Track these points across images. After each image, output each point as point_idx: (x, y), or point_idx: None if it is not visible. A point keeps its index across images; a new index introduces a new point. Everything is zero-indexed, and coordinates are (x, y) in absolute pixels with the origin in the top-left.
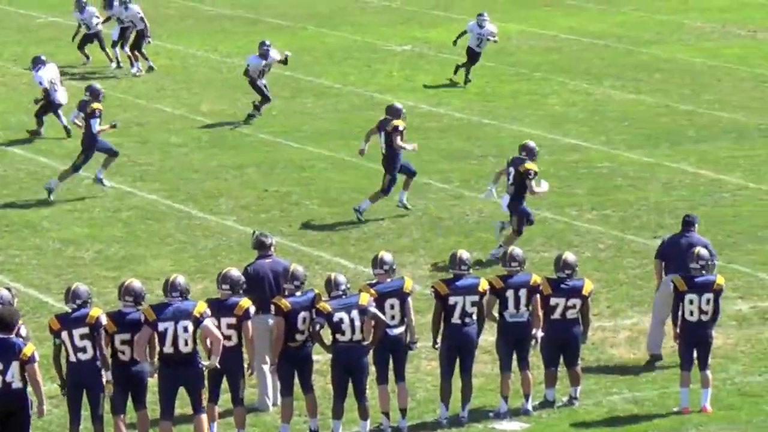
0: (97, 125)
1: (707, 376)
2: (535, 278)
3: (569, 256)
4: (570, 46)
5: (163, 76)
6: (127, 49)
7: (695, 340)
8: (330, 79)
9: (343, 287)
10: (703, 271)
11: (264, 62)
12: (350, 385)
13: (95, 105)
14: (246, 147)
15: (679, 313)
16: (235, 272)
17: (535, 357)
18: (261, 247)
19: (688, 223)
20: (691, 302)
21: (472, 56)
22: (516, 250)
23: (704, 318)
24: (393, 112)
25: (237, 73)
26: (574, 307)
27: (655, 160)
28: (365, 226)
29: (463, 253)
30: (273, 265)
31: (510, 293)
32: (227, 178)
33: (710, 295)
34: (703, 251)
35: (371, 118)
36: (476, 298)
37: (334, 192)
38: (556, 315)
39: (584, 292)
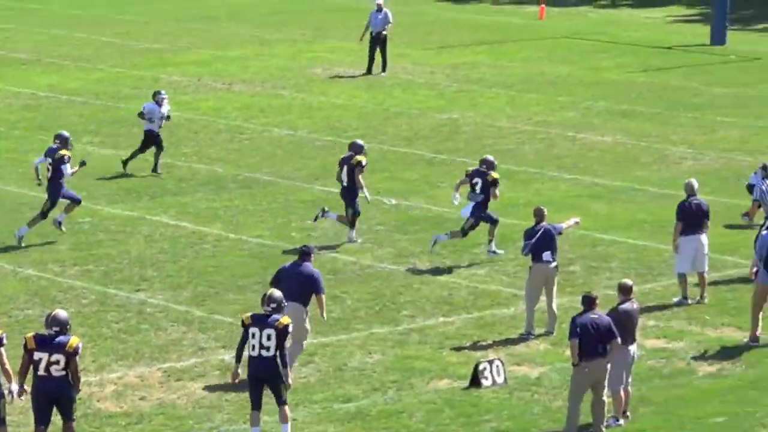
0: (68, 169)
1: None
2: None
3: (61, 313)
4: (49, 103)
5: None
6: None
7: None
8: None
9: (274, 305)
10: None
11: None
12: None
13: (64, 152)
14: None
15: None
16: (278, 293)
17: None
18: (302, 254)
19: (304, 253)
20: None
21: None
22: (275, 292)
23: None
24: (356, 148)
25: None
26: (58, 363)
27: (137, 214)
28: None
29: (275, 292)
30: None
31: None
32: None
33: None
34: (277, 293)
35: None
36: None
37: None
38: (41, 371)
39: (68, 348)
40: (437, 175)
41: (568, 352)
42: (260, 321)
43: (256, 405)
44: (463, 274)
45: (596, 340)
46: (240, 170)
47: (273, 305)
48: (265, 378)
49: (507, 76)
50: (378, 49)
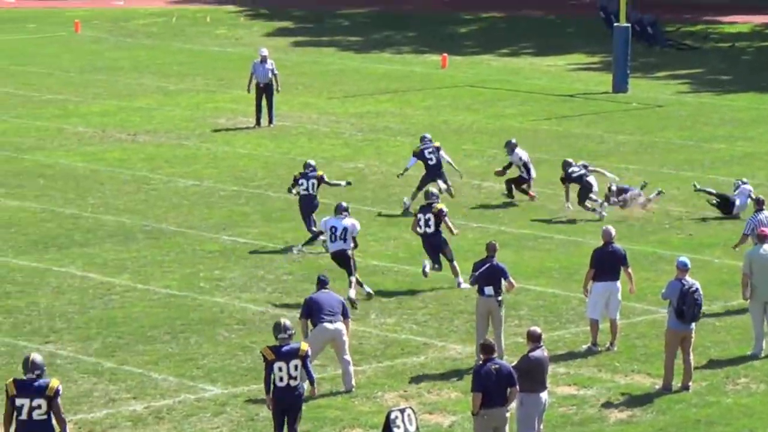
0: None
1: None
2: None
3: (37, 356)
4: None
5: None
6: None
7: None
8: None
9: (291, 332)
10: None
11: None
12: None
13: None
14: None
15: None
16: (288, 321)
17: None
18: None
19: (323, 282)
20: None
21: None
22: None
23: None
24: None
25: None
26: (40, 407)
27: (45, 265)
28: None
29: (287, 321)
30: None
31: None
32: None
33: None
34: (288, 321)
35: None
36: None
37: None
38: (23, 416)
39: (48, 392)
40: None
41: None
42: (284, 354)
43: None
44: (373, 323)
45: (496, 388)
46: (147, 221)
47: (290, 332)
48: (291, 407)
49: (411, 124)
50: (264, 101)
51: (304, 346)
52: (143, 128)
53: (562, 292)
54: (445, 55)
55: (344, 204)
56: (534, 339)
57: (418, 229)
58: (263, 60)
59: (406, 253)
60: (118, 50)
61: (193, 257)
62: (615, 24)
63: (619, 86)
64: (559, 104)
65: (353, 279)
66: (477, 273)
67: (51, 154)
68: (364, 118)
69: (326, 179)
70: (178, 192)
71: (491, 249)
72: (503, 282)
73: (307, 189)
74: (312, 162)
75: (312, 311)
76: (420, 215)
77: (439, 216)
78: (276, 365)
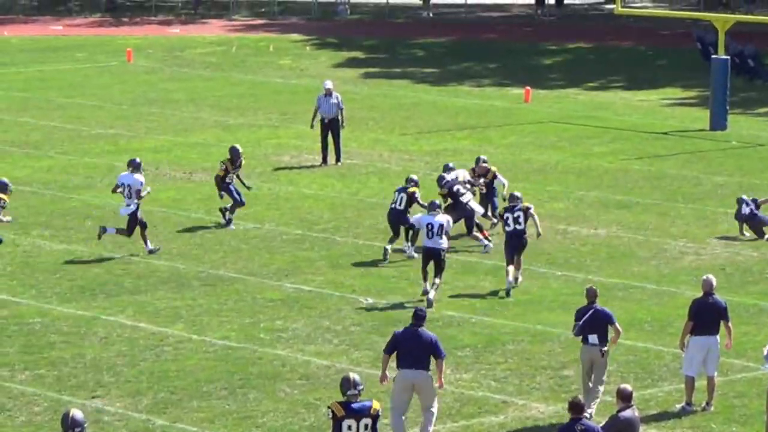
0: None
1: None
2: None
3: (77, 413)
4: None
5: None
6: None
7: None
8: None
9: (361, 387)
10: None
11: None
12: None
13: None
14: None
15: None
16: (357, 376)
17: None
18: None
19: (419, 317)
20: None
21: None
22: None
23: None
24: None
25: None
26: None
27: (92, 314)
28: None
29: (356, 376)
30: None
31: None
32: None
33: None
34: (357, 376)
35: None
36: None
37: None
38: None
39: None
40: (416, 270)
41: None
42: (355, 411)
43: None
44: (448, 379)
45: None
46: (203, 266)
47: (360, 388)
48: None
49: (492, 163)
50: (330, 138)
51: (377, 404)
52: (200, 166)
53: (655, 346)
54: (529, 88)
55: (437, 201)
56: (624, 398)
57: (507, 227)
58: (328, 93)
59: (483, 304)
60: (174, 81)
61: (253, 306)
62: (713, 56)
63: (718, 123)
64: (651, 142)
65: (438, 281)
66: (581, 321)
67: (100, 194)
68: (440, 156)
69: (418, 198)
70: (237, 235)
71: (592, 295)
72: (610, 329)
73: (395, 202)
74: (414, 177)
75: (397, 350)
76: (507, 214)
77: (527, 212)
78: (345, 423)
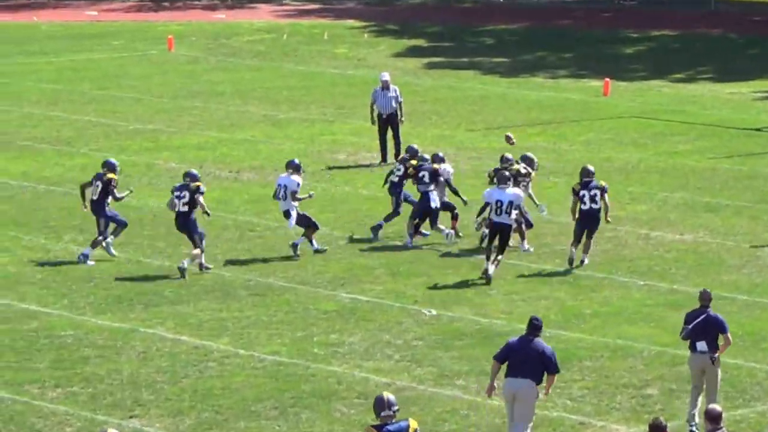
0: (117, 193)
1: None
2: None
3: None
4: (23, 194)
5: None
6: None
7: None
8: None
9: (396, 408)
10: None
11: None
12: None
13: (112, 175)
14: None
15: None
16: (393, 396)
17: None
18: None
19: (534, 327)
20: None
21: None
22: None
23: None
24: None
25: None
26: None
27: (129, 326)
28: None
29: (391, 396)
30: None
31: None
32: None
33: None
34: (393, 397)
35: None
36: None
37: None
38: None
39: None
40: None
41: None
42: None
43: None
44: None
45: None
46: (251, 274)
47: (395, 408)
48: None
49: (567, 162)
50: (390, 134)
51: (414, 423)
52: (247, 164)
53: (746, 363)
54: (608, 79)
55: (507, 173)
56: (713, 419)
57: (582, 206)
58: (385, 86)
59: (558, 316)
60: (219, 72)
61: (306, 318)
62: None
63: None
64: (742, 139)
65: (501, 258)
66: (690, 326)
67: (138, 195)
68: (511, 154)
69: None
70: (288, 240)
71: (706, 298)
72: (720, 337)
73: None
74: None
75: (508, 359)
76: (584, 192)
77: (603, 191)
78: None
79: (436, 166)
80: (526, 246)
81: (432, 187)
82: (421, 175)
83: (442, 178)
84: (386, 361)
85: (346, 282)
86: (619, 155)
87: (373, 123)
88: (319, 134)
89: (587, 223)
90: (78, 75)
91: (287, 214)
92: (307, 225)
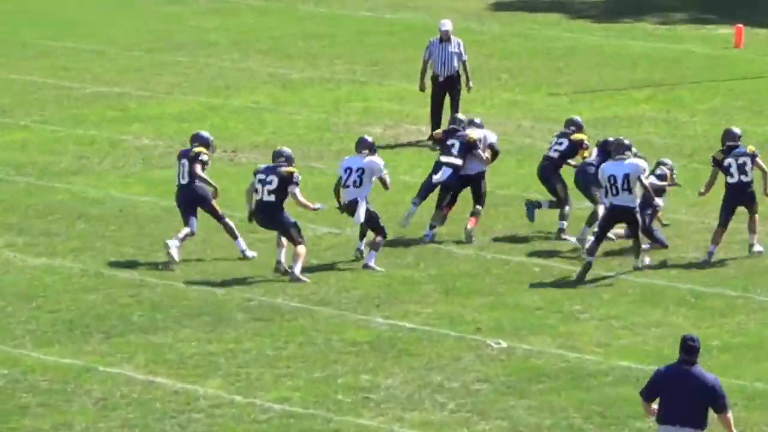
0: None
1: None
2: None
3: None
4: None
5: None
6: None
7: None
8: None
9: None
10: None
11: None
12: None
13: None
14: None
15: None
16: None
17: None
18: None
19: (691, 348)
20: None
21: None
22: None
23: None
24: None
25: None
26: None
27: (84, 362)
28: None
29: None
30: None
31: None
32: None
33: None
34: None
35: None
36: None
37: None
38: None
39: None
40: (572, 296)
41: None
42: None
43: None
44: None
45: None
46: (251, 292)
47: None
48: None
49: (685, 138)
50: (448, 100)
51: None
52: (248, 141)
53: None
54: (741, 26)
55: (626, 141)
56: None
57: (729, 178)
58: (445, 38)
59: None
60: (210, 15)
61: (327, 352)
62: None
63: None
64: None
65: (640, 256)
66: None
67: (98, 182)
68: (608, 127)
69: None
70: (311, 245)
71: None
72: None
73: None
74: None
75: (660, 396)
76: (729, 160)
77: (754, 159)
78: None
79: (472, 135)
80: (647, 260)
81: (459, 161)
82: (450, 143)
83: (479, 151)
84: (437, 411)
85: (382, 303)
86: (756, 128)
87: (422, 88)
88: (346, 100)
89: (738, 198)
90: (15, 19)
91: (351, 206)
92: (375, 227)
